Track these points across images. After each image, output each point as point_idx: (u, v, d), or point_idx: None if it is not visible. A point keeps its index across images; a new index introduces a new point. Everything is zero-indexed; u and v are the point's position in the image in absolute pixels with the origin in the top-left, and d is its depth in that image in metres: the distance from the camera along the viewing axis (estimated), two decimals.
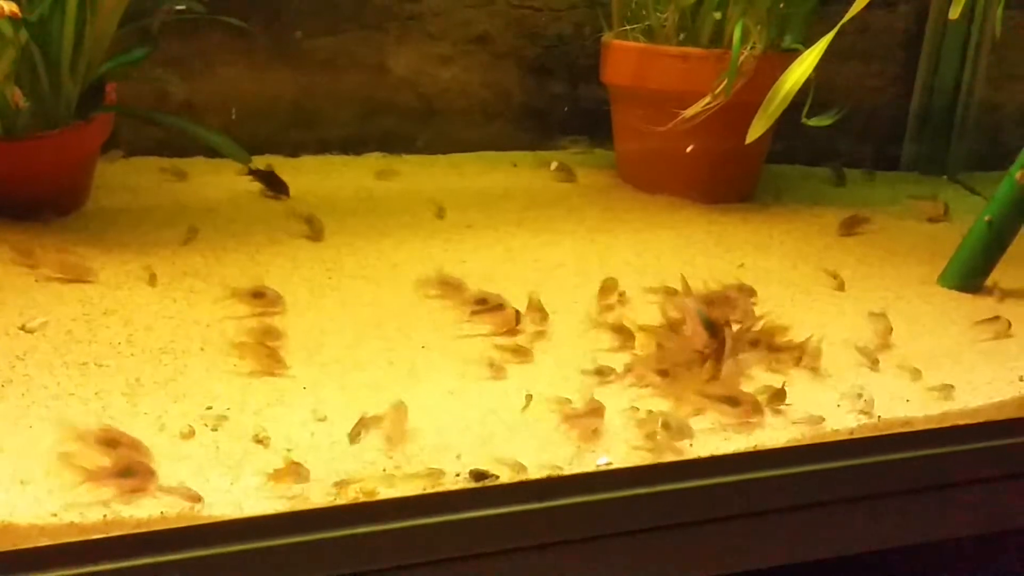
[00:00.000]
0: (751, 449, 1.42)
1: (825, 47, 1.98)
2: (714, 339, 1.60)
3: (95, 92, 2.10)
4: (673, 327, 1.67)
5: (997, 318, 1.82)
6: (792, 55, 2.07)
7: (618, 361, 1.61)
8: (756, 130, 2.06)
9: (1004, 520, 1.59)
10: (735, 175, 2.51)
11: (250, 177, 2.35)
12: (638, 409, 1.48)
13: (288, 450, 1.33)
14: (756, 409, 1.49)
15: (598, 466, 1.36)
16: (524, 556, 1.31)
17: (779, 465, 1.41)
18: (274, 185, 2.34)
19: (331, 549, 1.22)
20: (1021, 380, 1.64)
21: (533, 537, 1.31)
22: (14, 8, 1.79)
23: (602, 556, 1.36)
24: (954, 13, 2.00)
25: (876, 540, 1.50)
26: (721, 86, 2.22)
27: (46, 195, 2.05)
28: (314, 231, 2.10)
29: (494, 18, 2.69)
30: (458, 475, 1.31)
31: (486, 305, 1.74)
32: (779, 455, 1.42)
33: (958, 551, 1.78)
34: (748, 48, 2.25)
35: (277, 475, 1.26)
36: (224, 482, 1.26)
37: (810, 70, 2.01)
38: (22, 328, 1.62)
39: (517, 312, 1.72)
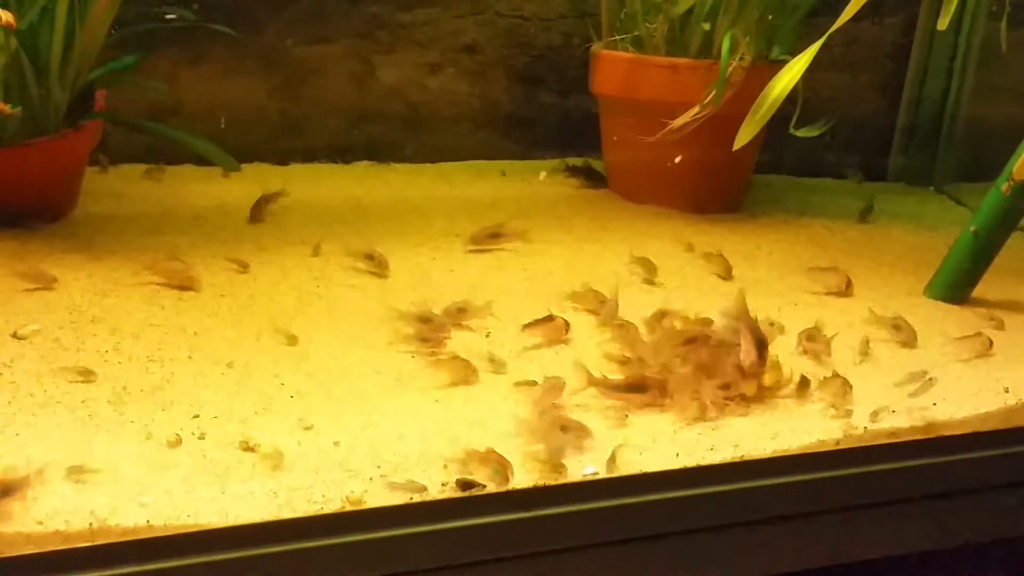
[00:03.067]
0: (737, 459, 1.42)
1: (813, 55, 1.98)
2: (761, 359, 1.61)
3: (84, 99, 2.11)
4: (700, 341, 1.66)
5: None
6: (780, 66, 2.08)
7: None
8: (743, 136, 2.06)
9: (990, 531, 1.60)
10: (723, 186, 2.52)
11: (567, 173, 2.57)
12: None
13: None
14: None
15: (584, 475, 1.36)
16: (511, 566, 1.31)
17: (764, 476, 1.42)
18: (592, 177, 2.52)
19: (317, 558, 1.22)
20: (1007, 391, 1.65)
21: (520, 547, 1.32)
22: (11, 18, 1.79)
23: (590, 565, 1.36)
24: (942, 24, 2.00)
25: (858, 551, 1.51)
26: (710, 97, 2.23)
27: (34, 202, 2.04)
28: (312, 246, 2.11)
29: (483, 27, 2.69)
30: (444, 484, 1.31)
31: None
32: (764, 466, 1.42)
33: (943, 561, 1.79)
34: (736, 59, 2.26)
35: None
36: (211, 490, 1.26)
37: (798, 77, 2.01)
38: (13, 335, 1.62)
39: (566, 322, 1.76)
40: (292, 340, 1.69)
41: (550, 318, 1.76)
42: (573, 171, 2.61)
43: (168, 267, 1.86)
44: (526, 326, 1.76)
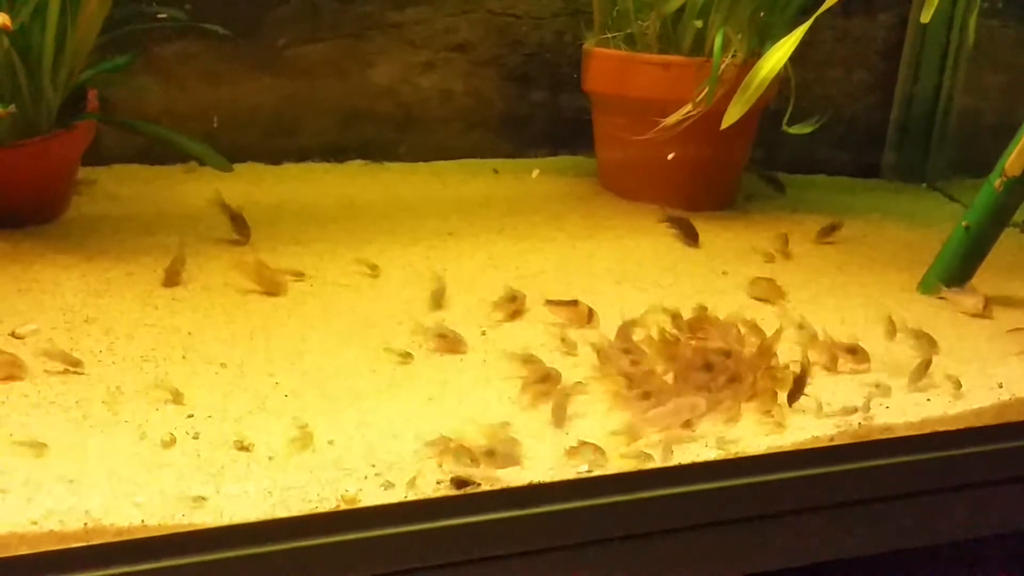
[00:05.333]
0: (729, 456, 1.42)
1: (800, 37, 1.98)
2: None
3: (76, 100, 2.10)
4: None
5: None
6: None
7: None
8: (731, 115, 2.07)
9: (985, 526, 1.60)
10: (716, 183, 2.52)
11: (667, 224, 2.27)
12: None
13: None
14: None
15: (579, 473, 1.36)
16: (506, 563, 1.32)
17: (757, 473, 1.42)
18: (687, 231, 2.26)
19: (312, 557, 1.22)
20: (1000, 387, 1.65)
21: (515, 544, 1.32)
22: (6, 20, 1.79)
23: (583, 563, 1.36)
24: (925, 17, 2.00)
25: (853, 548, 1.51)
26: (702, 94, 2.23)
27: (26, 203, 2.04)
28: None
29: (475, 26, 2.69)
30: (439, 482, 1.31)
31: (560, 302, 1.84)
32: (758, 463, 1.42)
33: (939, 557, 1.79)
34: (729, 56, 2.26)
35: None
36: (206, 490, 1.25)
37: (787, 57, 2.01)
38: (12, 334, 1.62)
39: (591, 309, 1.80)
40: (286, 338, 1.69)
41: (574, 302, 1.82)
42: (672, 221, 2.28)
43: (258, 272, 1.86)
44: (549, 302, 1.83)
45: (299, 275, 1.93)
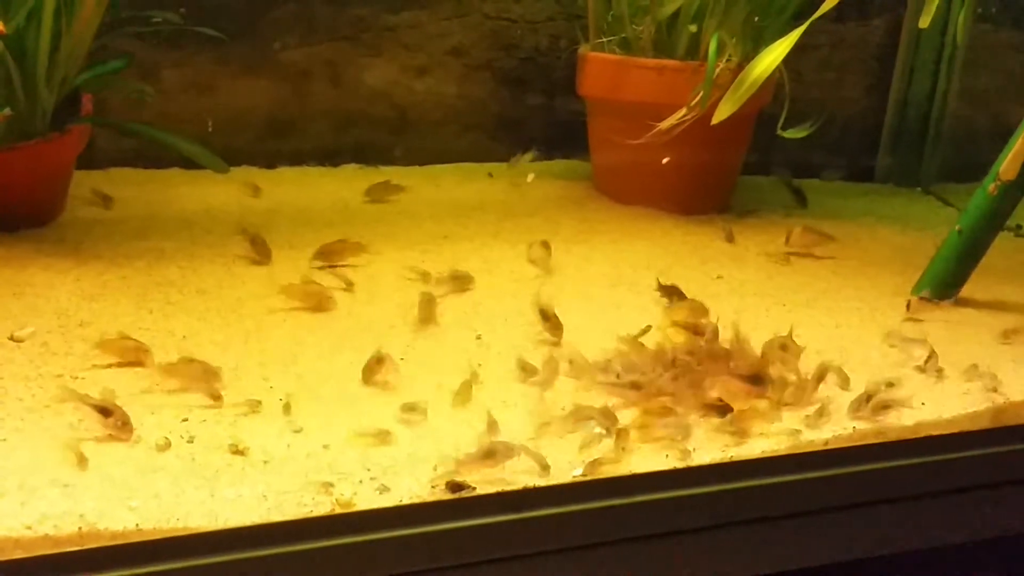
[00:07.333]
0: (725, 460, 1.42)
1: (795, 40, 1.98)
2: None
3: (71, 103, 2.10)
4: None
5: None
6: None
7: None
8: (723, 112, 2.07)
9: (980, 530, 1.60)
10: (711, 187, 2.52)
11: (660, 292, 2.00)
12: None
13: None
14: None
15: (574, 477, 1.36)
16: (502, 568, 1.32)
17: (752, 476, 1.42)
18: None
19: (307, 561, 1.22)
20: (996, 391, 1.65)
21: (510, 549, 1.32)
22: (0, 25, 1.79)
23: (580, 567, 1.36)
24: (924, 22, 2.01)
25: (847, 551, 1.51)
26: (697, 98, 2.23)
27: (21, 206, 2.04)
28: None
29: (470, 30, 2.69)
30: (434, 487, 1.31)
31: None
32: (752, 466, 1.43)
33: (933, 561, 1.79)
34: (724, 61, 2.26)
35: None
36: (200, 493, 1.25)
37: (780, 59, 2.02)
38: (11, 338, 1.62)
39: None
40: (281, 342, 1.69)
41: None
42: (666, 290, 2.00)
43: (305, 289, 1.84)
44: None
45: (349, 284, 1.94)
